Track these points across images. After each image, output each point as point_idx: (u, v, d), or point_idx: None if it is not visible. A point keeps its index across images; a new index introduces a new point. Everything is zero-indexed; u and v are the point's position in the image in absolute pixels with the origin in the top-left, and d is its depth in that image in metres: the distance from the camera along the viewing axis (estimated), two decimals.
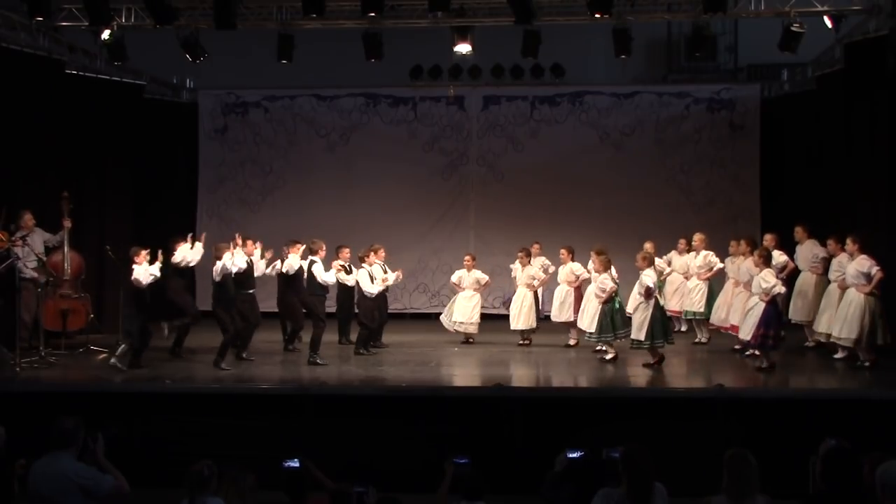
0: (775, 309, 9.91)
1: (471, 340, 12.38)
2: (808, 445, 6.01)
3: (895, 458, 4.71)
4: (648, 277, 10.17)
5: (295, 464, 5.88)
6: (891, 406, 8.43)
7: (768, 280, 9.80)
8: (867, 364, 9.89)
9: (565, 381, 10.30)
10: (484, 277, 12.52)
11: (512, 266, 12.45)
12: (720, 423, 8.39)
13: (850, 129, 11.87)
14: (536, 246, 12.54)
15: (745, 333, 10.10)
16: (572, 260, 12.00)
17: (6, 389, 9.07)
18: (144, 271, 10.36)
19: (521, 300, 12.09)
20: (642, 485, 4.77)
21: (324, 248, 11.19)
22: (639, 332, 10.20)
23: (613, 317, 10.63)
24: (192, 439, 8.38)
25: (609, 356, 10.73)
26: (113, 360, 10.25)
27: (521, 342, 12.10)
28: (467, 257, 12.73)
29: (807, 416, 8.29)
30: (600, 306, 10.73)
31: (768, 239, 11.33)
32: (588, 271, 11.63)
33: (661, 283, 10.95)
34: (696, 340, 12.09)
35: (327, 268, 11.39)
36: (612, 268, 11.00)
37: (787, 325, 11.03)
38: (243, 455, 7.30)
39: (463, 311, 12.32)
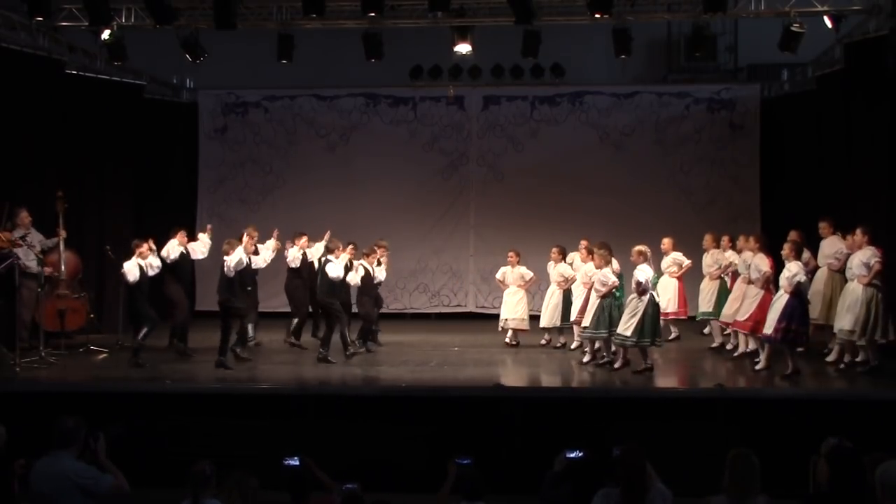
0: (800, 302, 9.53)
1: (515, 342, 12.02)
2: (808, 445, 6.02)
3: (895, 458, 4.71)
4: (642, 272, 9.87)
5: (295, 462, 5.87)
6: (891, 406, 8.43)
7: (791, 270, 9.48)
8: (865, 367, 9.63)
9: (565, 382, 10.29)
10: (528, 273, 12.18)
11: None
12: (720, 423, 8.40)
13: (850, 129, 11.86)
14: (555, 250, 12.03)
15: (768, 328, 9.64)
16: (563, 260, 11.91)
17: (6, 389, 9.07)
18: (134, 266, 10.35)
19: (549, 298, 11.90)
20: (636, 484, 4.77)
21: (341, 247, 11.11)
22: (625, 327, 9.86)
23: (612, 312, 10.32)
24: (192, 439, 8.40)
25: (604, 360, 10.47)
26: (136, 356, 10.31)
27: (555, 344, 11.89)
28: (511, 253, 12.27)
29: (807, 416, 8.29)
30: (598, 300, 10.43)
31: (793, 235, 10.68)
32: (575, 269, 11.56)
33: (655, 280, 10.73)
34: (713, 345, 11.71)
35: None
36: (615, 262, 10.82)
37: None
38: (244, 455, 7.32)
39: (507, 308, 12.10)
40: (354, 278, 11.33)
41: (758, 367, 9.91)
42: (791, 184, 13.68)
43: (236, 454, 7.34)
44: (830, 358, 10.28)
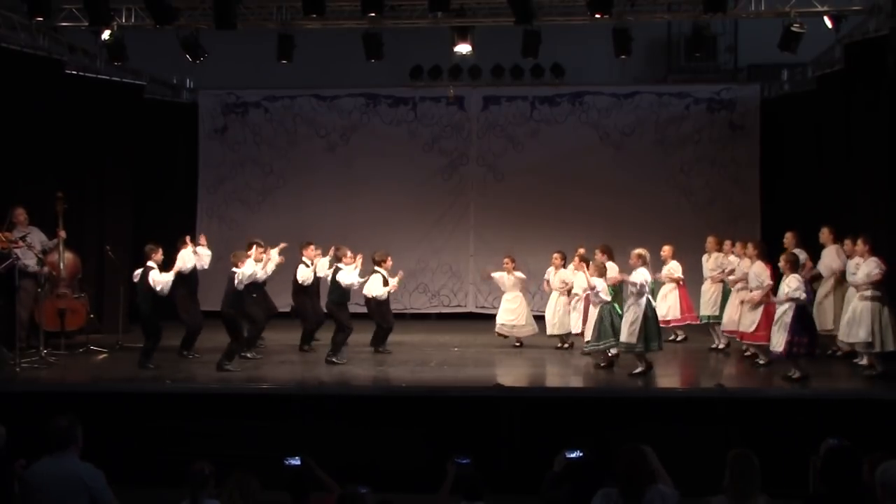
0: (805, 315, 9.47)
1: (518, 343, 12.17)
2: (808, 445, 6.03)
3: (895, 458, 4.71)
4: (639, 275, 9.85)
5: (296, 461, 5.88)
6: (891, 406, 8.43)
7: (791, 285, 9.40)
8: (873, 373, 9.62)
9: (565, 382, 10.29)
10: (521, 276, 12.26)
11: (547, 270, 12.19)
12: (720, 423, 8.39)
13: (849, 129, 11.87)
14: (557, 256, 12.03)
15: (776, 344, 9.53)
16: (564, 266, 11.89)
17: (6, 389, 9.07)
18: (167, 281, 10.22)
19: (554, 305, 11.87)
20: (634, 484, 4.77)
21: (349, 254, 11.19)
22: (629, 334, 9.83)
23: (613, 321, 10.22)
24: (192, 439, 8.39)
25: (604, 363, 10.45)
26: (143, 361, 10.26)
27: (559, 346, 11.90)
28: (506, 260, 12.28)
29: (807, 416, 8.29)
30: (596, 310, 10.34)
31: (789, 237, 10.81)
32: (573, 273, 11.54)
33: (653, 287, 10.72)
34: (713, 346, 11.78)
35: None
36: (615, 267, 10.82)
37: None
38: (244, 455, 7.32)
39: (506, 314, 12.17)
40: (382, 291, 11.27)
41: (794, 376, 9.58)
42: (791, 184, 13.67)
43: (236, 454, 7.36)
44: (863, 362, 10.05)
